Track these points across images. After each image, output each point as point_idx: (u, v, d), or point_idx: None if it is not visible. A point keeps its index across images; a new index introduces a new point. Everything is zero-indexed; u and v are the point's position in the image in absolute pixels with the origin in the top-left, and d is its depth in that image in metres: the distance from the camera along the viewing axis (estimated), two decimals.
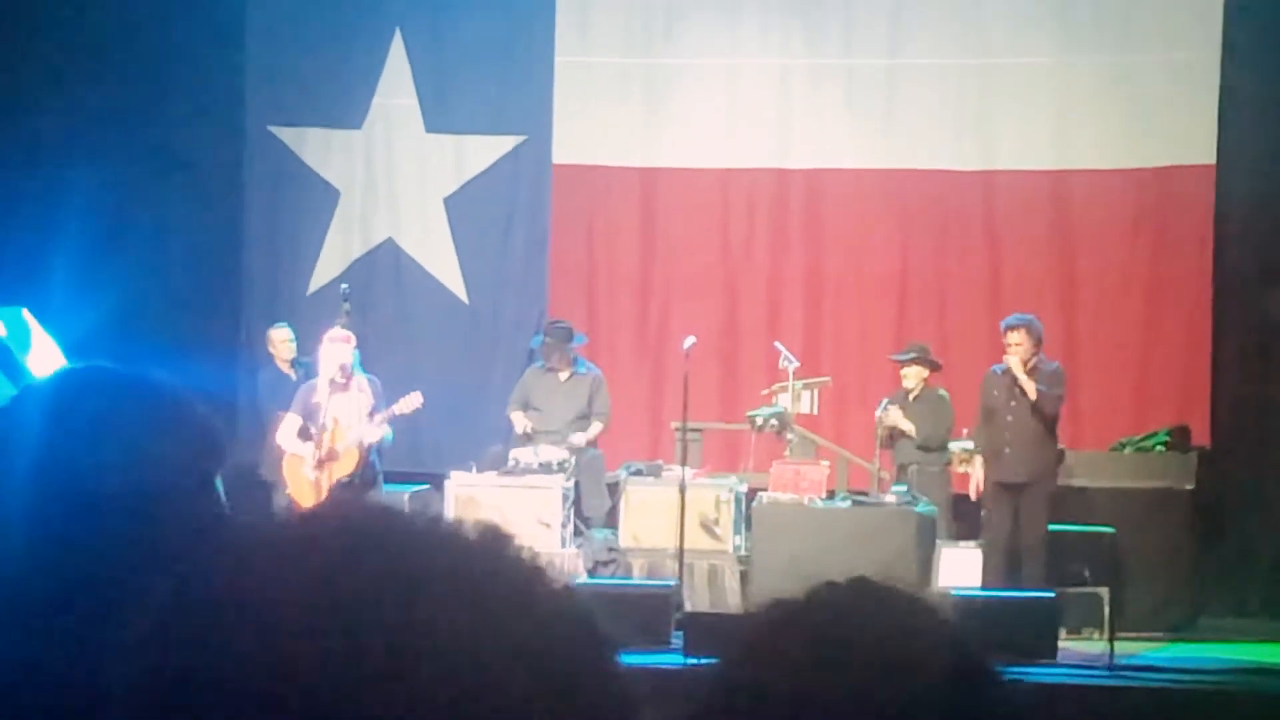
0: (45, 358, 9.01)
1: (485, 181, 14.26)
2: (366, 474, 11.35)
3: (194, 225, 13.76)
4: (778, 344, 12.72)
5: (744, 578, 11.62)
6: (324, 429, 11.18)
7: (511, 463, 12.18)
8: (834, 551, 10.61)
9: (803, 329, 13.80)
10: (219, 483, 2.04)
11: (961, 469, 12.10)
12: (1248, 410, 13.14)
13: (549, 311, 13.83)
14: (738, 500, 11.94)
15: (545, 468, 12.09)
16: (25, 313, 9.44)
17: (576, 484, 12.22)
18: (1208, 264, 13.30)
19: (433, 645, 0.97)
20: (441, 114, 14.28)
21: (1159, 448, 12.66)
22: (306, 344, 12.58)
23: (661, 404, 13.64)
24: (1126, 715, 9.29)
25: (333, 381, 11.26)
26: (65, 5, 13.46)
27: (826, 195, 13.92)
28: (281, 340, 12.89)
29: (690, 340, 11.88)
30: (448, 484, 12.07)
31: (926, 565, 11.23)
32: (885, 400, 12.27)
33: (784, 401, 12.31)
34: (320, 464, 11.17)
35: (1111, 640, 10.58)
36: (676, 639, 10.11)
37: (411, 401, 11.49)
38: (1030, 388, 11.43)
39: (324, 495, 10.98)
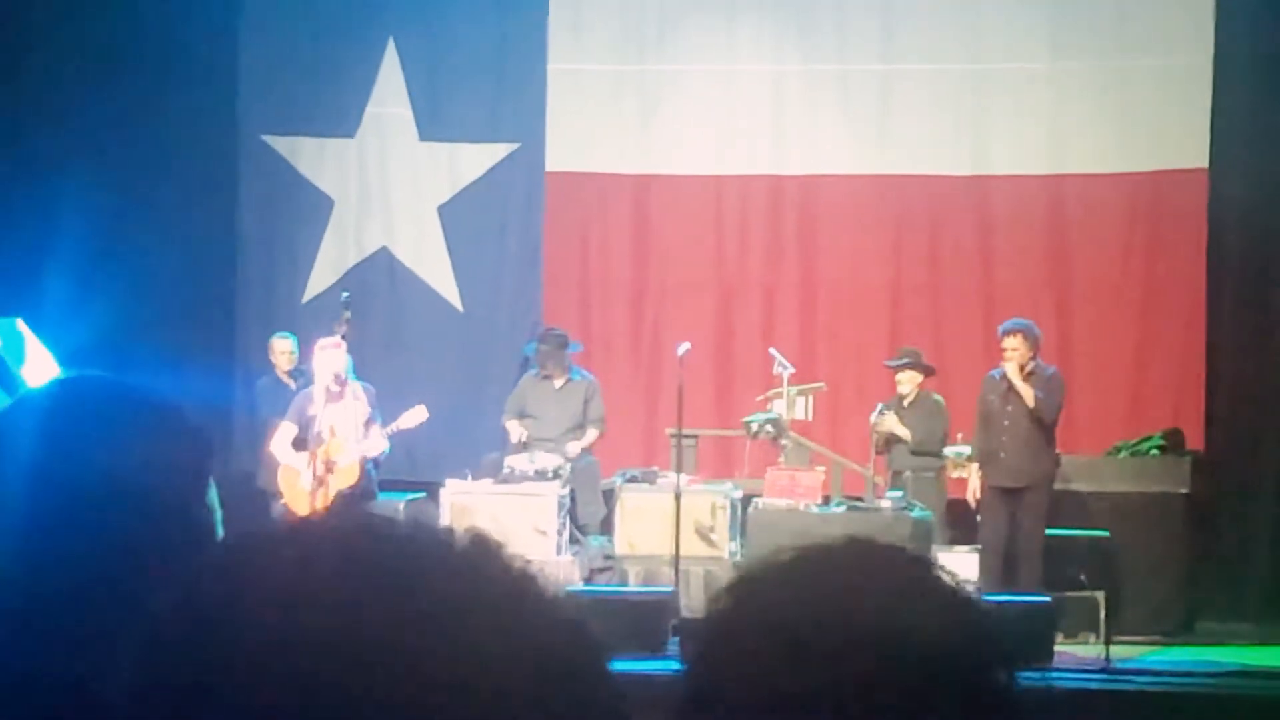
0: (41, 369, 9.01)
1: (479, 189, 14.26)
2: (365, 485, 11.35)
3: (189, 234, 13.75)
4: (772, 350, 12.72)
5: None
6: (320, 440, 11.17)
7: (507, 470, 12.17)
8: None
9: (797, 335, 13.81)
10: (213, 491, 2.05)
11: (957, 474, 12.10)
12: (1242, 414, 13.14)
13: (543, 319, 13.83)
14: (733, 506, 11.94)
15: (541, 475, 12.09)
16: (20, 324, 9.44)
17: (572, 491, 12.21)
18: (1201, 268, 13.31)
19: (422, 654, 0.97)
20: (435, 122, 14.29)
21: (1154, 452, 12.67)
22: (302, 353, 12.59)
23: (656, 410, 13.65)
24: (1123, 719, 9.29)
25: (328, 390, 11.26)
26: (58, 16, 13.45)
27: (820, 201, 13.93)
28: (282, 351, 12.86)
29: (685, 346, 11.88)
30: (443, 492, 12.06)
31: None
32: (880, 406, 12.27)
33: (779, 407, 12.31)
34: (319, 476, 11.15)
35: (1107, 644, 10.59)
36: (673, 646, 10.11)
37: (416, 416, 11.49)
38: (1028, 394, 11.43)
39: (324, 507, 10.97)
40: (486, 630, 0.99)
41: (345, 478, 11.22)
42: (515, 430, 12.52)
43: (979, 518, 11.74)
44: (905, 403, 12.29)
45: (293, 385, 12.42)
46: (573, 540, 12.17)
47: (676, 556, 11.31)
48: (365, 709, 0.96)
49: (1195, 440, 12.96)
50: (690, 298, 14.01)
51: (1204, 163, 13.29)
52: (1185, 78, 13.35)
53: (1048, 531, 11.54)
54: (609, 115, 14.17)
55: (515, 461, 12.20)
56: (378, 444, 11.40)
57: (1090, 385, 13.03)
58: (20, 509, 1.86)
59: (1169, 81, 13.41)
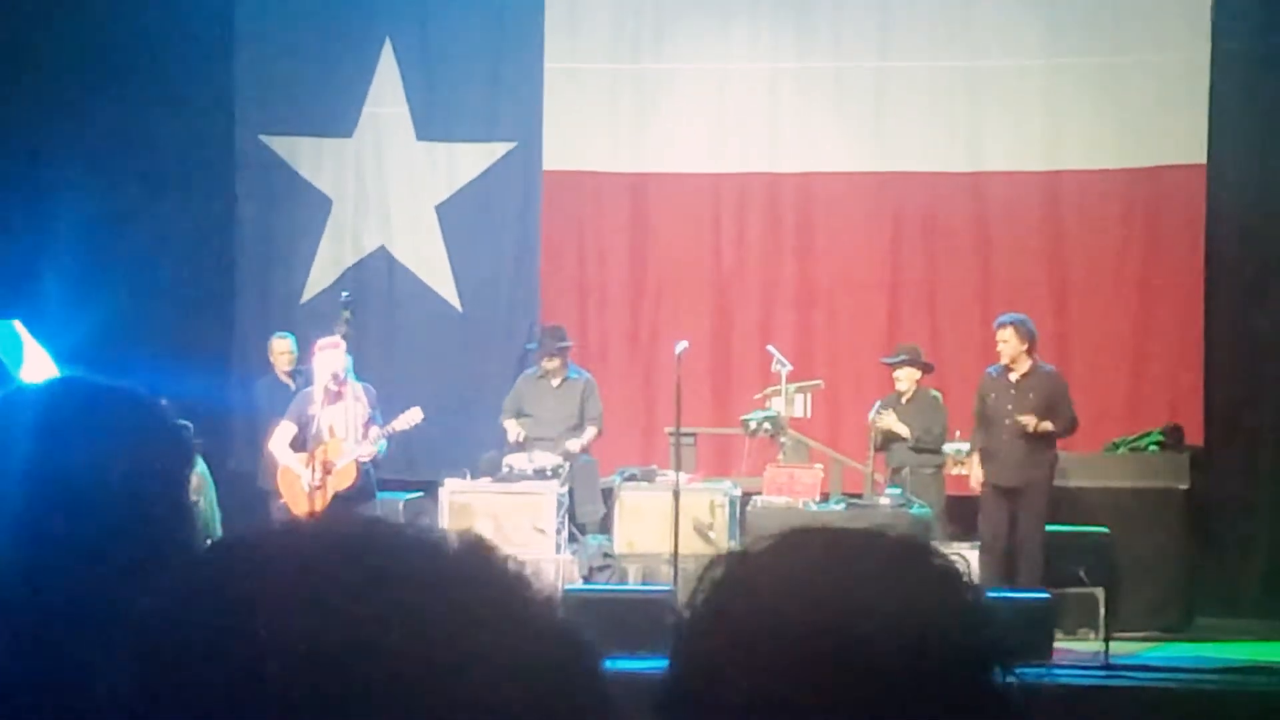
0: (38, 370, 9.00)
1: (476, 189, 14.27)
2: (363, 485, 11.35)
3: (186, 235, 13.76)
4: (770, 347, 12.72)
5: None
6: (320, 440, 11.17)
7: (506, 469, 12.18)
8: None
9: (795, 332, 13.81)
10: (212, 491, 2.08)
11: (956, 471, 12.10)
12: (1241, 409, 13.15)
13: (541, 317, 13.84)
14: (732, 504, 11.94)
15: (540, 474, 12.09)
16: (18, 325, 9.43)
17: (571, 490, 12.22)
18: (1199, 263, 13.31)
19: (416, 655, 0.97)
20: (432, 122, 14.29)
21: (1153, 448, 12.67)
22: (301, 353, 12.59)
23: (654, 409, 13.65)
24: (1122, 715, 9.28)
25: (328, 390, 11.25)
26: (56, 19, 13.45)
27: (817, 198, 13.93)
28: (281, 351, 12.85)
29: (682, 345, 11.86)
30: (442, 491, 12.07)
31: None
32: (878, 403, 12.27)
33: (777, 405, 12.31)
34: (318, 476, 11.15)
35: (1107, 640, 10.59)
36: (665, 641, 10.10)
37: (411, 417, 11.49)
38: (1046, 428, 11.39)
39: (322, 507, 10.97)
40: (478, 633, 0.99)
41: (343, 478, 11.22)
42: (513, 429, 12.52)
43: (980, 515, 11.75)
44: (903, 400, 12.29)
45: (292, 385, 12.41)
46: (571, 539, 12.17)
47: (675, 555, 11.30)
48: (358, 710, 0.96)
49: (1194, 436, 12.96)
50: (688, 296, 14.01)
51: (1202, 158, 13.30)
52: (1182, 73, 13.35)
53: (1047, 528, 11.54)
54: (606, 114, 14.18)
55: (514, 460, 12.20)
56: (373, 447, 11.40)
57: (1089, 381, 13.02)
58: (7, 506, 1.88)
59: (1166, 77, 13.40)
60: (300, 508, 11.11)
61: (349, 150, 14.35)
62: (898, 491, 11.69)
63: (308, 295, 14.22)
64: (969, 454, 11.87)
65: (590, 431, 12.59)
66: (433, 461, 13.06)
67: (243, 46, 14.31)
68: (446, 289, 14.26)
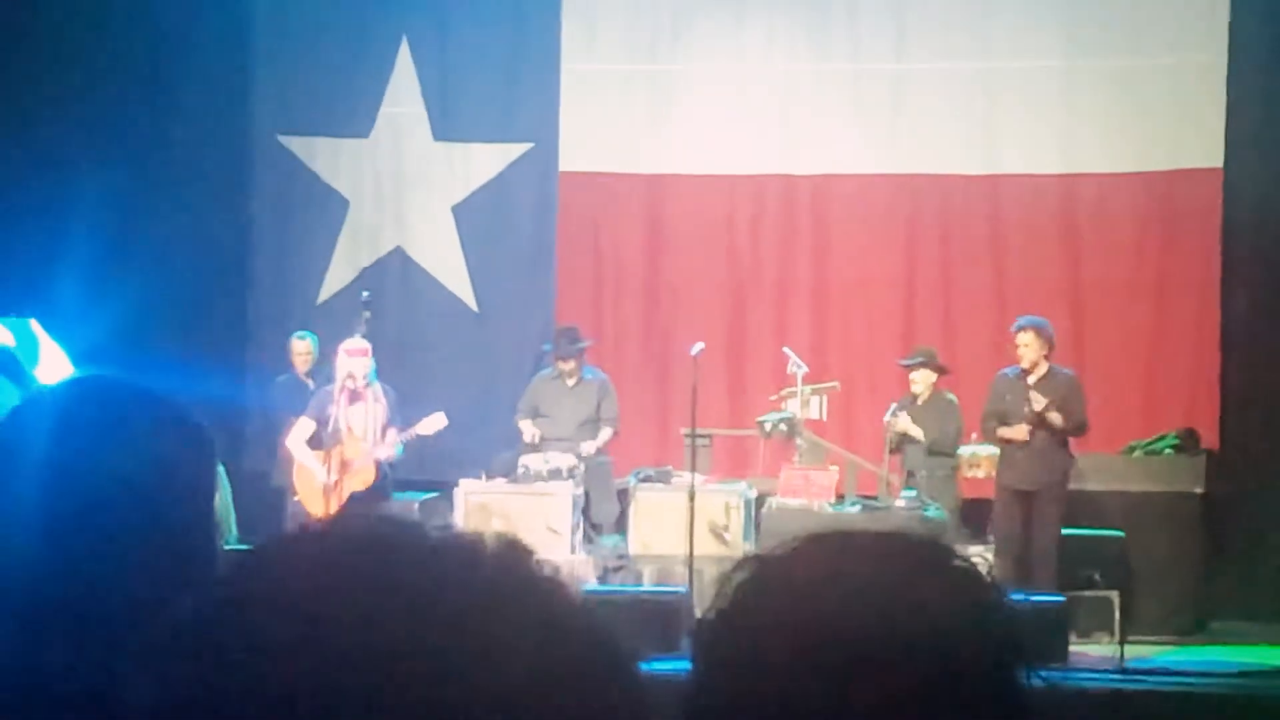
0: (54, 368, 9.02)
1: (493, 189, 14.27)
2: (380, 485, 11.37)
3: (202, 235, 13.78)
4: (786, 349, 12.72)
5: None
6: (338, 438, 11.19)
7: (521, 470, 12.18)
8: None
9: (810, 334, 13.80)
10: (227, 491, 2.08)
11: (970, 473, 12.09)
12: (1256, 413, 13.12)
13: (556, 318, 13.84)
14: (747, 506, 11.94)
15: (555, 474, 12.09)
16: (34, 323, 9.45)
17: (586, 491, 12.22)
18: (1215, 267, 13.28)
19: (451, 659, 0.97)
20: (449, 122, 14.30)
21: (1168, 451, 12.65)
22: (320, 353, 12.60)
23: (670, 410, 13.64)
24: (1137, 719, 9.27)
25: (348, 389, 11.26)
26: (71, 16, 13.47)
27: (833, 201, 13.92)
28: (301, 352, 12.87)
29: (698, 346, 11.87)
30: (457, 492, 12.08)
31: None
32: (894, 405, 12.26)
33: (793, 407, 12.30)
34: (334, 475, 11.16)
35: (1122, 644, 10.58)
36: (687, 646, 10.10)
37: (435, 423, 11.51)
38: (1055, 420, 11.39)
39: (338, 506, 11.00)
40: (518, 635, 0.99)
41: (360, 478, 11.24)
42: (528, 430, 12.52)
43: (993, 517, 11.74)
44: (919, 402, 12.28)
45: (311, 385, 12.43)
46: (587, 539, 12.17)
47: (690, 556, 11.30)
48: (395, 712, 0.95)
49: (1210, 439, 12.94)
50: (703, 297, 14.01)
51: (1218, 162, 13.27)
52: (1200, 76, 13.33)
53: (1062, 531, 11.53)
54: (622, 115, 14.17)
55: (529, 461, 12.21)
56: (391, 449, 11.41)
57: (1104, 385, 12.99)
58: (29, 507, 1.88)
59: (1183, 80, 13.38)
60: (315, 506, 11.14)
61: (366, 150, 14.37)
62: (913, 494, 11.68)
63: (324, 295, 14.24)
64: (984, 456, 11.85)
65: (606, 432, 12.59)
66: (448, 462, 13.06)
67: (260, 47, 14.33)
68: (462, 289, 14.27)
